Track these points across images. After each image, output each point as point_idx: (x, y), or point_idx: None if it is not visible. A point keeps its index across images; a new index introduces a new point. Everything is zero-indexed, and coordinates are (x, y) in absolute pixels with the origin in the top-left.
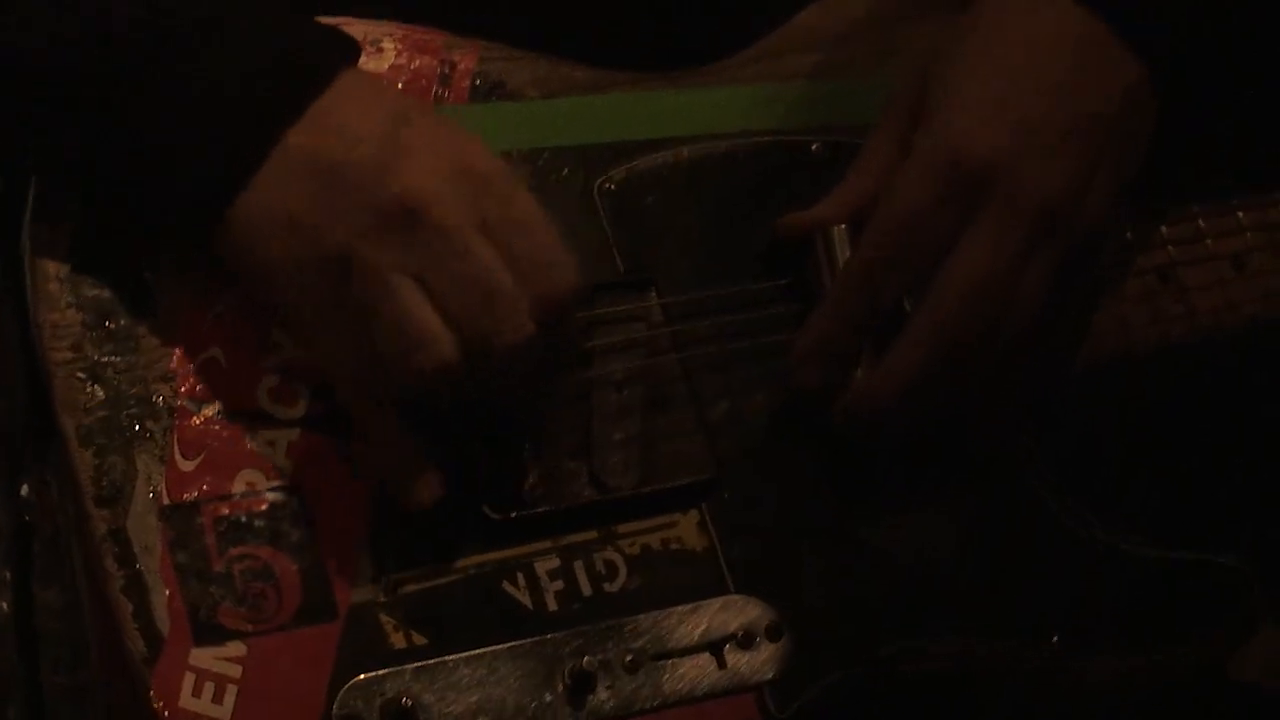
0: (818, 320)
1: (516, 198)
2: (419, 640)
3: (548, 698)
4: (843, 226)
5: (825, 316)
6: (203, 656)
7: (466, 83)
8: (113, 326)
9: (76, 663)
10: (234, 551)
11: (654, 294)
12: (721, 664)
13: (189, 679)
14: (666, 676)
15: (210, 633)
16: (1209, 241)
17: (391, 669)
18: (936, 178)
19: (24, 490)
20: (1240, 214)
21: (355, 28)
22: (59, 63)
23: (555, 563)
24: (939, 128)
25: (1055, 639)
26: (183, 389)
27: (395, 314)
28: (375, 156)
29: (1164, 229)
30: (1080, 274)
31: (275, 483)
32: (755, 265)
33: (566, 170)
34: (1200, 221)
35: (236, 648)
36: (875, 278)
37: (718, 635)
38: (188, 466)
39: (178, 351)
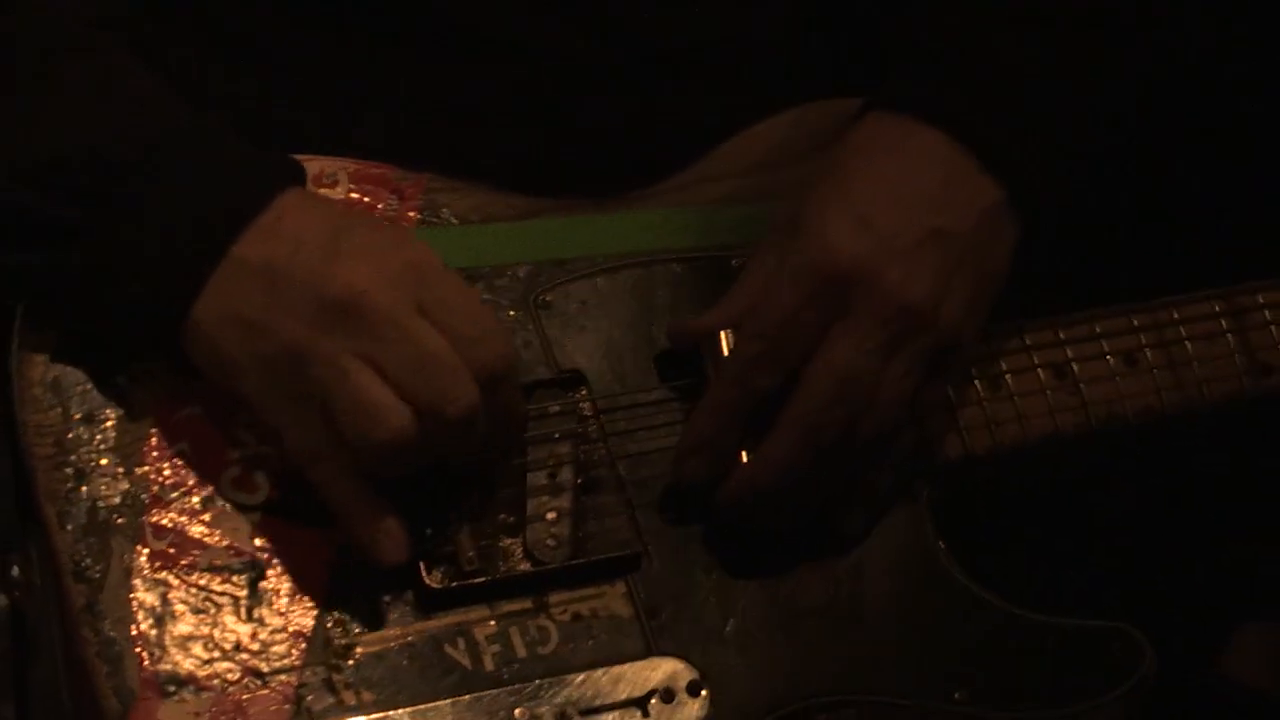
0: (699, 416)
1: (448, 282)
2: (368, 697)
3: None
4: (729, 331)
5: (707, 411)
6: (170, 711)
7: (414, 212)
8: (92, 426)
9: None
10: (200, 621)
11: (585, 390)
12: (646, 716)
13: None
14: None
15: (178, 690)
16: (1103, 342)
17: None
18: (804, 282)
19: (14, 571)
20: (1133, 318)
21: (314, 164)
22: (11, 198)
23: (492, 628)
24: (807, 237)
25: (957, 695)
26: (155, 479)
27: (351, 393)
28: (316, 257)
29: (1060, 332)
30: (940, 371)
31: (236, 560)
32: (676, 366)
33: (505, 284)
34: (1096, 326)
35: (202, 702)
36: (749, 373)
37: (642, 692)
38: (158, 546)
39: (150, 446)
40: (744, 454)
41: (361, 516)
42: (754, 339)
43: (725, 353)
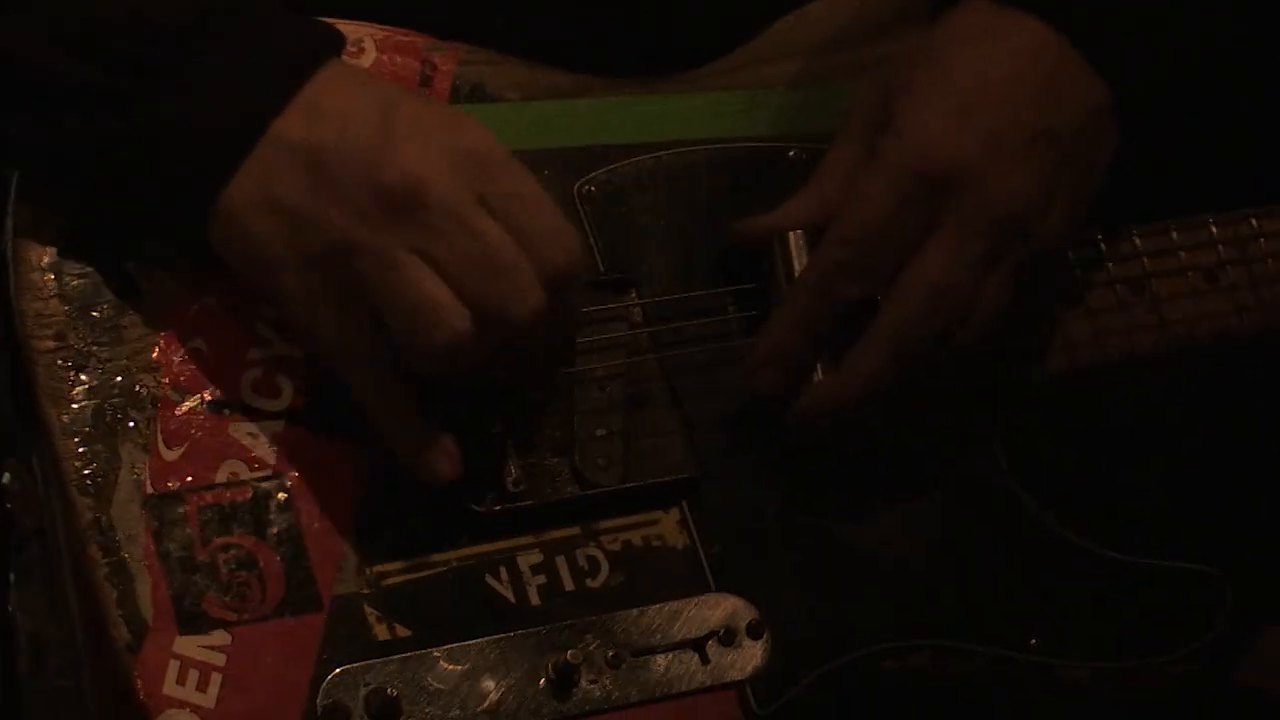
0: (774, 325)
1: (512, 172)
2: (402, 632)
3: (531, 691)
4: (799, 233)
5: (782, 322)
6: (187, 645)
7: (447, 85)
8: (97, 316)
9: (64, 667)
10: (218, 541)
11: (634, 294)
12: (704, 660)
13: (173, 667)
14: (649, 672)
15: (194, 621)
16: (1182, 254)
17: (375, 660)
18: (902, 182)
19: (5, 478)
20: (1214, 228)
21: (338, 28)
22: (48, 62)
23: (538, 557)
24: (905, 134)
25: (1033, 641)
26: (166, 379)
27: (406, 292)
28: (367, 140)
29: (1138, 241)
30: (1040, 284)
31: (258, 473)
32: (733, 268)
33: (546, 173)
34: (1174, 234)
35: (221, 636)
36: (833, 282)
37: (700, 632)
38: (171, 456)
39: (162, 342)
40: (819, 369)
41: (410, 426)
42: (841, 243)
43: (795, 255)
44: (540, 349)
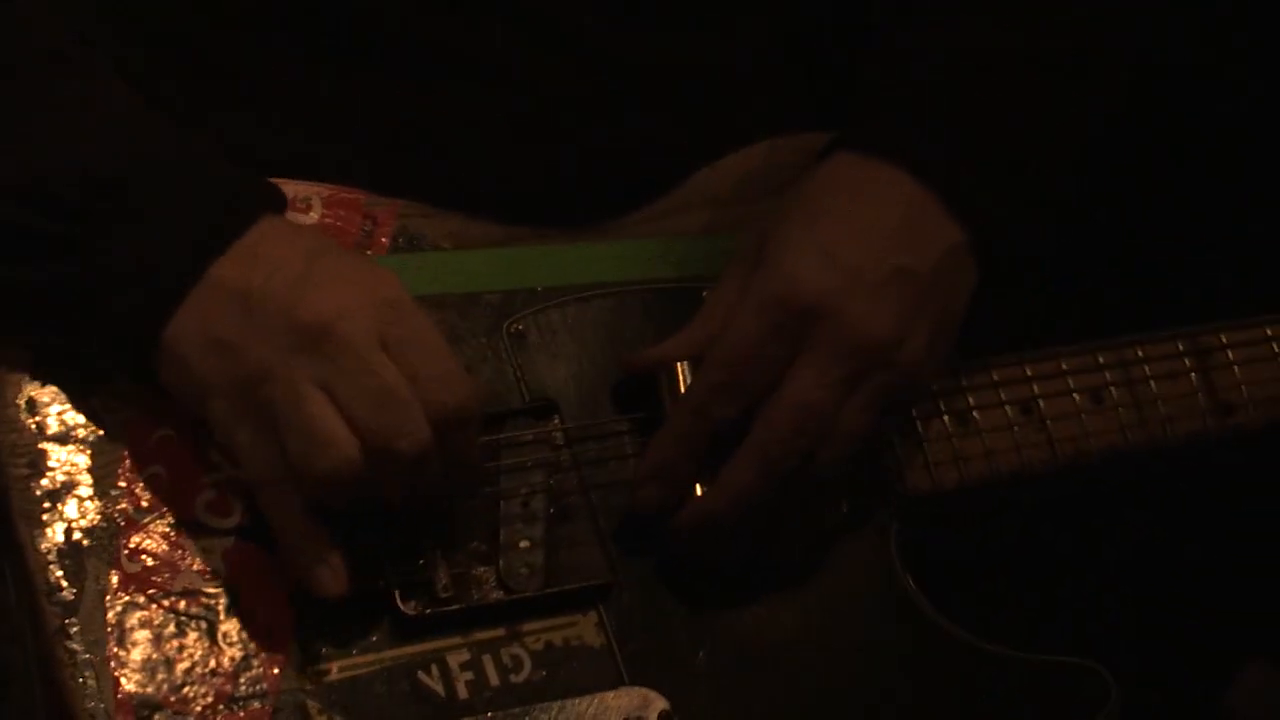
0: (657, 444)
1: (415, 320)
2: None
3: None
4: (684, 363)
5: (664, 440)
6: None
7: (388, 235)
8: (66, 446)
9: None
10: (174, 644)
11: (557, 419)
12: None
13: None
14: None
15: (152, 713)
16: (1069, 379)
17: None
18: (769, 313)
19: None
20: (1099, 355)
21: (287, 187)
22: (6, 213)
23: (466, 656)
24: (772, 270)
25: None
26: (129, 501)
27: (303, 418)
28: (290, 283)
29: (1028, 368)
30: (897, 407)
31: (211, 584)
32: (650, 394)
33: (477, 313)
34: (1062, 362)
35: None
36: (710, 403)
37: None
38: (132, 569)
39: (124, 468)
40: (698, 486)
41: (300, 545)
42: (716, 368)
43: (682, 384)
44: (435, 480)
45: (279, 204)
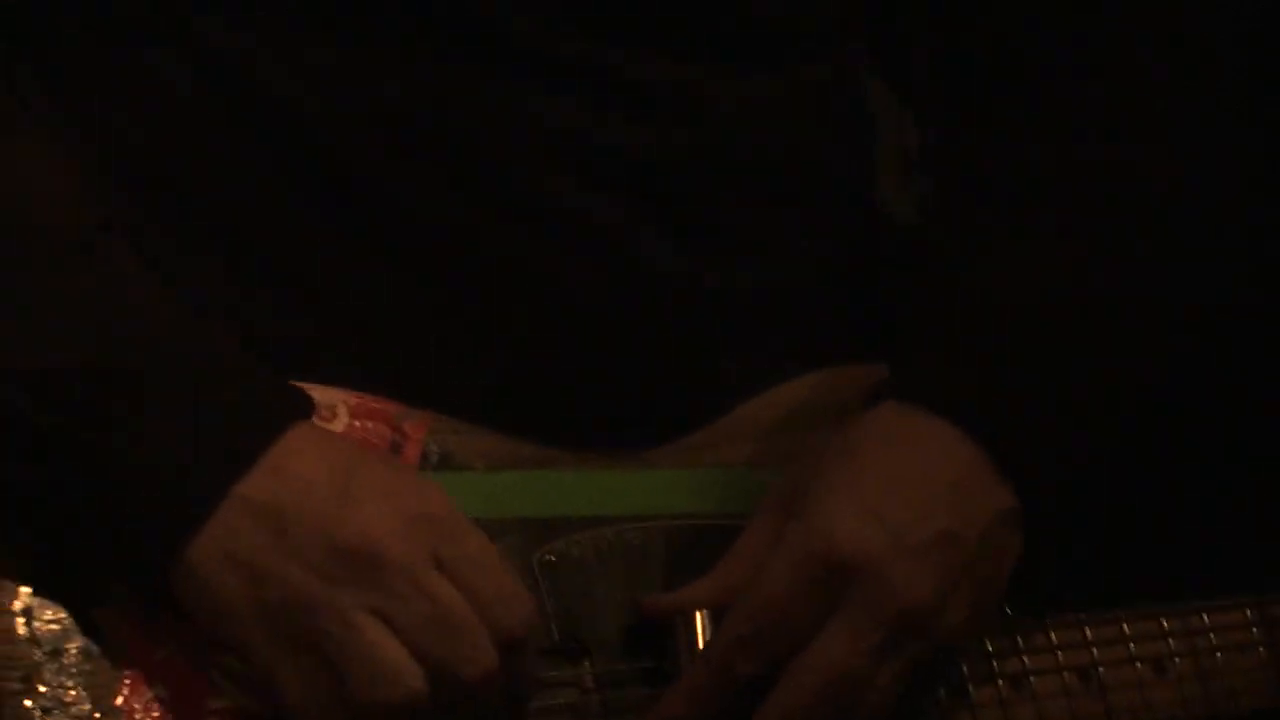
0: (672, 698)
1: (468, 536)
2: None
3: None
4: (704, 612)
5: (681, 696)
6: None
7: (417, 452)
8: (64, 661)
9: None
10: None
11: (587, 663)
12: None
13: None
14: None
15: None
16: (1132, 645)
17: None
18: (804, 567)
19: None
20: (1164, 621)
21: (313, 393)
22: (14, 407)
23: None
24: (811, 521)
25: None
26: None
27: (362, 650)
28: (328, 501)
29: (1088, 631)
30: (933, 677)
31: None
32: None
33: (508, 540)
34: (1124, 626)
35: None
36: (733, 658)
37: None
38: None
39: (126, 688)
40: None
41: None
42: (743, 621)
43: (700, 635)
44: (493, 708)
45: (307, 410)
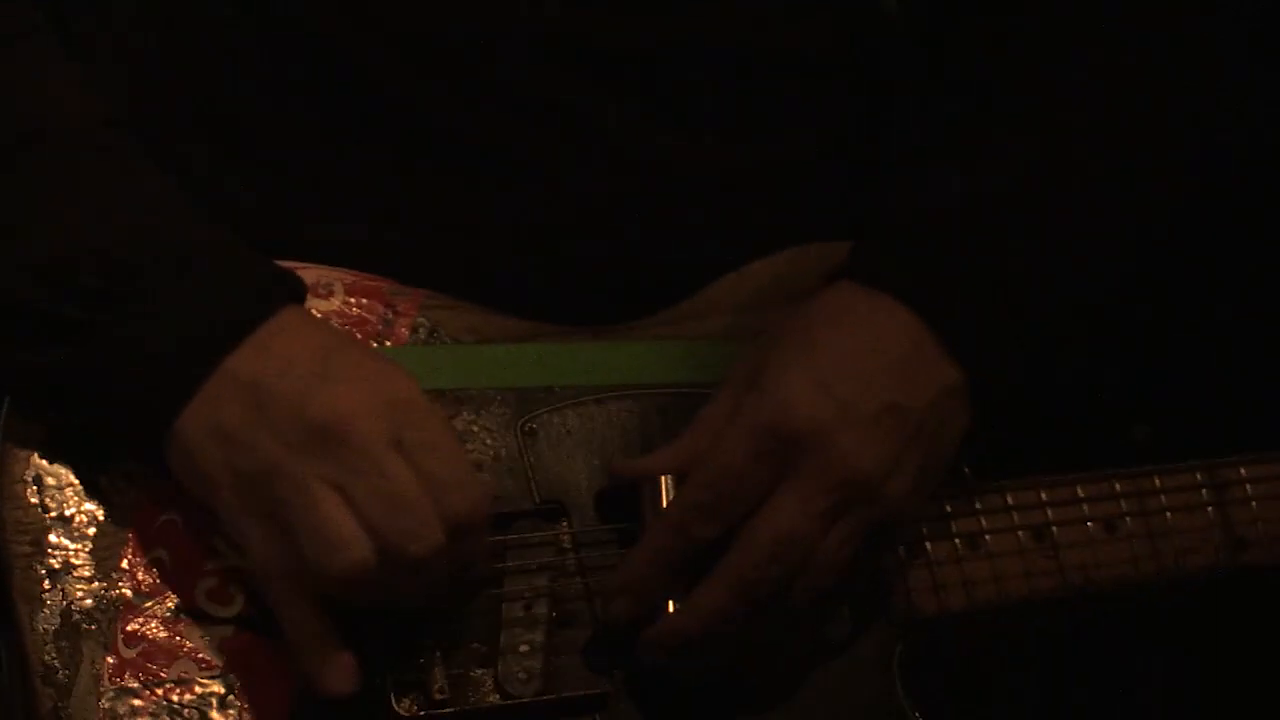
0: (634, 559)
1: (431, 422)
2: None
3: None
4: (669, 477)
5: (641, 556)
6: None
7: (407, 326)
8: (71, 525)
9: None
10: None
11: (566, 523)
12: None
13: None
14: None
15: None
16: (1084, 506)
17: None
18: (757, 438)
19: None
20: (1116, 484)
21: (310, 272)
22: (23, 293)
23: None
24: (766, 393)
25: None
26: (129, 585)
27: (316, 519)
28: (304, 378)
29: (1043, 493)
30: (879, 542)
31: (207, 674)
32: None
33: (493, 409)
34: (1078, 488)
35: None
36: (690, 522)
37: None
38: (129, 654)
39: (127, 551)
40: (670, 603)
41: (310, 642)
42: (699, 487)
43: (664, 498)
44: (442, 582)
45: (299, 294)
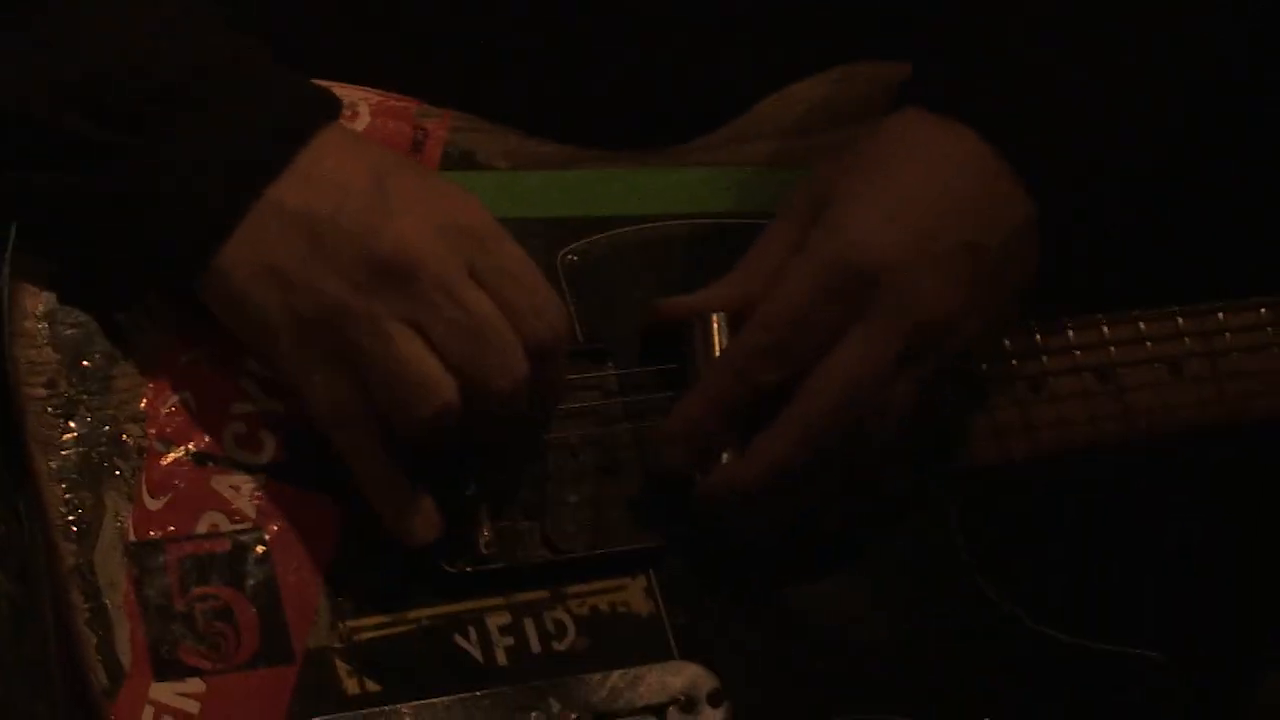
0: (689, 403)
1: (504, 246)
2: (372, 687)
3: None
4: (720, 315)
5: (697, 400)
6: (162, 691)
7: (438, 151)
8: (88, 365)
9: (35, 694)
10: (196, 591)
11: (611, 365)
12: None
13: (148, 712)
14: None
15: (170, 669)
16: (1149, 344)
17: (344, 714)
18: (828, 274)
19: None
20: (1180, 320)
21: (334, 91)
22: (42, 113)
23: (506, 619)
24: (835, 229)
25: None
26: (152, 430)
27: (395, 361)
28: (363, 210)
29: (1105, 329)
30: (949, 388)
31: (238, 525)
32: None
33: (531, 241)
34: (1141, 324)
35: (195, 684)
36: (752, 366)
37: (661, 699)
38: (154, 505)
39: (150, 393)
40: (724, 454)
41: (394, 490)
42: (763, 329)
43: (716, 339)
44: (522, 417)
45: (336, 112)
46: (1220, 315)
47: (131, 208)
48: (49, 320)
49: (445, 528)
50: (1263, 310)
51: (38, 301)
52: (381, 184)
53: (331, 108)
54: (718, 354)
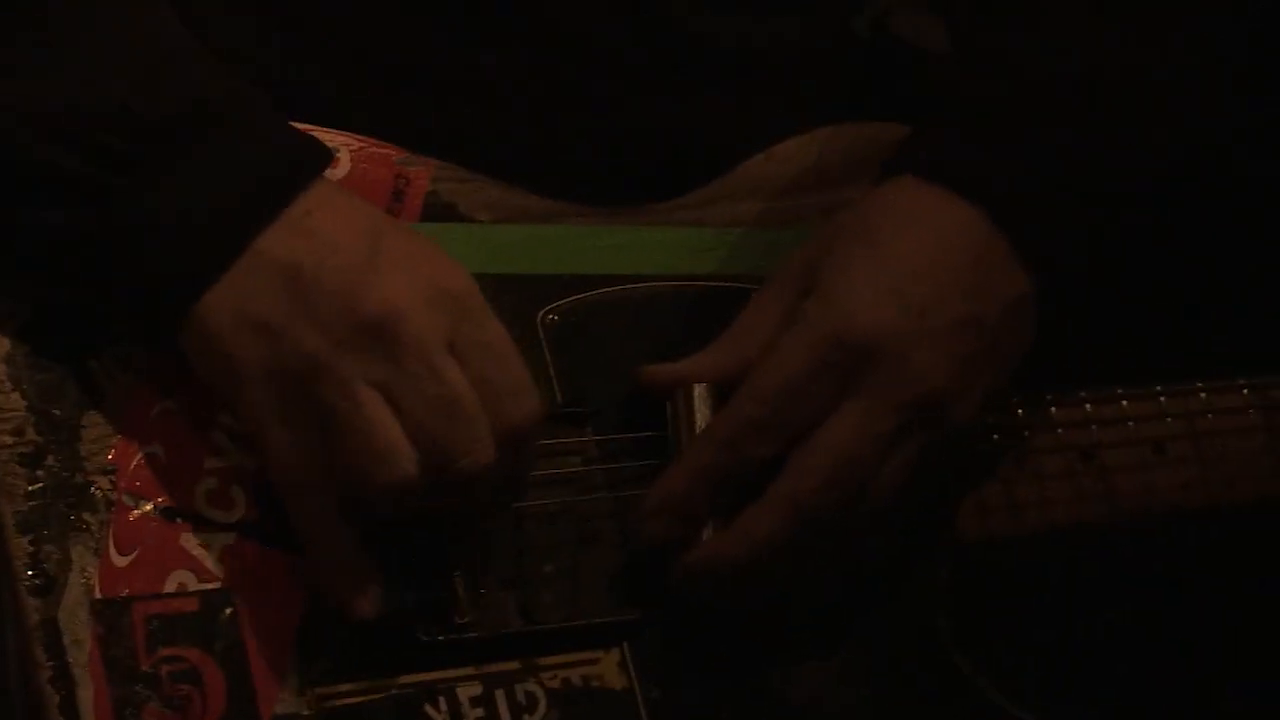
0: (673, 476)
1: (488, 322)
2: None
3: None
4: (704, 386)
5: (682, 473)
6: None
7: (419, 201)
8: (57, 414)
9: None
10: (162, 652)
11: (590, 430)
12: None
13: None
14: None
15: None
16: (1131, 424)
17: None
18: (822, 346)
19: None
20: (1162, 399)
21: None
22: (28, 148)
23: (477, 689)
24: (830, 299)
25: None
26: (122, 483)
27: (361, 425)
28: (351, 267)
29: (1088, 407)
30: (941, 466)
31: (207, 585)
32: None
33: (511, 298)
34: (1124, 402)
35: None
36: (742, 438)
37: None
38: (121, 562)
39: (119, 444)
40: (707, 527)
41: (338, 561)
42: (755, 401)
43: (698, 411)
44: (486, 496)
45: (327, 162)
46: (1203, 395)
47: (115, 250)
48: (17, 366)
49: (419, 594)
50: (1245, 391)
51: (6, 345)
52: (372, 243)
53: (323, 157)
54: (699, 425)
